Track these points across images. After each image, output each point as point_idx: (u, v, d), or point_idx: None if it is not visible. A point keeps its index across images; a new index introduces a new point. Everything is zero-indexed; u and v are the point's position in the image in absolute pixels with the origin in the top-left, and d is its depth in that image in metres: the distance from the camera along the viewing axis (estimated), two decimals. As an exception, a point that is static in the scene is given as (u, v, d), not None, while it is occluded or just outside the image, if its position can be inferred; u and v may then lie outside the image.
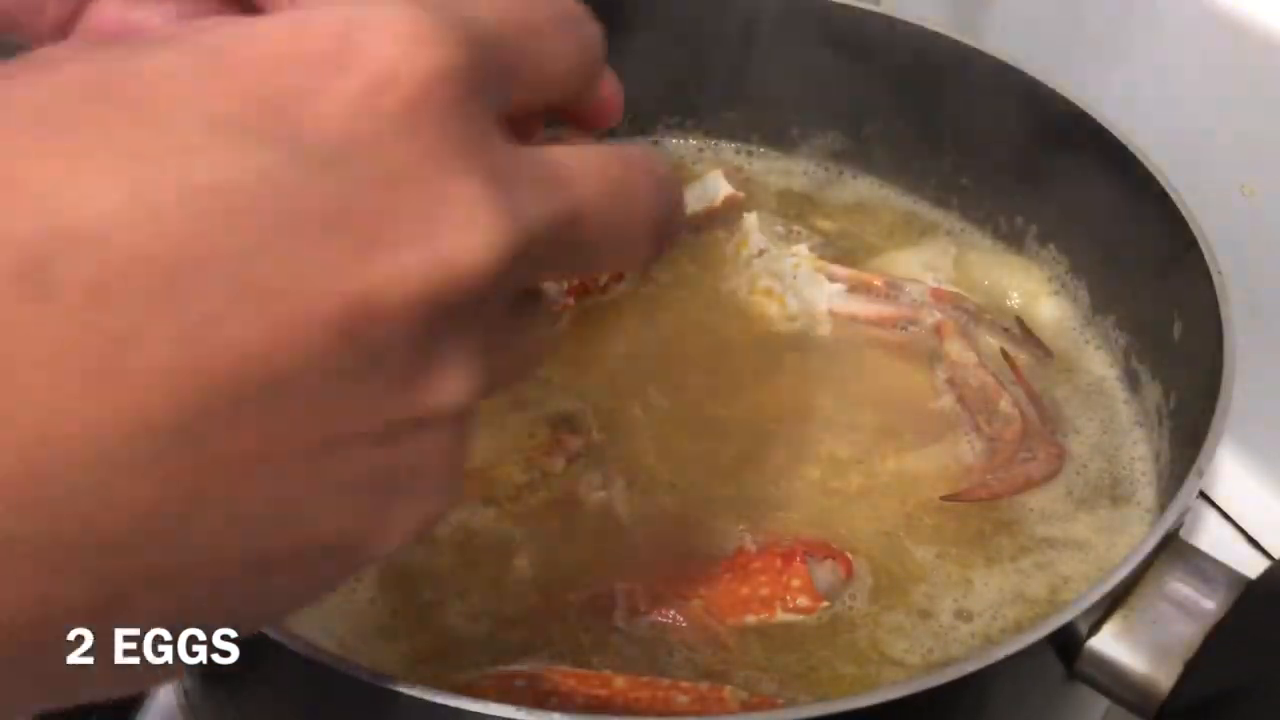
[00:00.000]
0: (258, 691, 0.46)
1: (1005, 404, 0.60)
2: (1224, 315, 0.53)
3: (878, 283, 0.66)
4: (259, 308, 0.24)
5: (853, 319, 0.65)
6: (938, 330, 0.64)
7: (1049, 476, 0.58)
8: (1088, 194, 0.64)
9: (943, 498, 0.56)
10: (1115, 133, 0.61)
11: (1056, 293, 0.67)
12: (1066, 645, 0.44)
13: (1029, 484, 0.57)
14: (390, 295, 0.25)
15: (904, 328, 0.65)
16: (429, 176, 0.26)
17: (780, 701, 0.48)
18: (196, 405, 0.23)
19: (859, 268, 0.68)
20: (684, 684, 0.48)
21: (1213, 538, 0.69)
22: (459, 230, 0.26)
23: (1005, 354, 0.63)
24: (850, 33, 0.69)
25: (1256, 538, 0.69)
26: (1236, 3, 0.64)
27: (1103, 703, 0.47)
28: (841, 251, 0.69)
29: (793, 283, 0.65)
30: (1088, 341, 0.65)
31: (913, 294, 0.66)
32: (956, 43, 0.67)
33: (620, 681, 0.48)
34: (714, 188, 0.70)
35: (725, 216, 0.70)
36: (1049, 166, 0.66)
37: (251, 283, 0.24)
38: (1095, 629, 0.45)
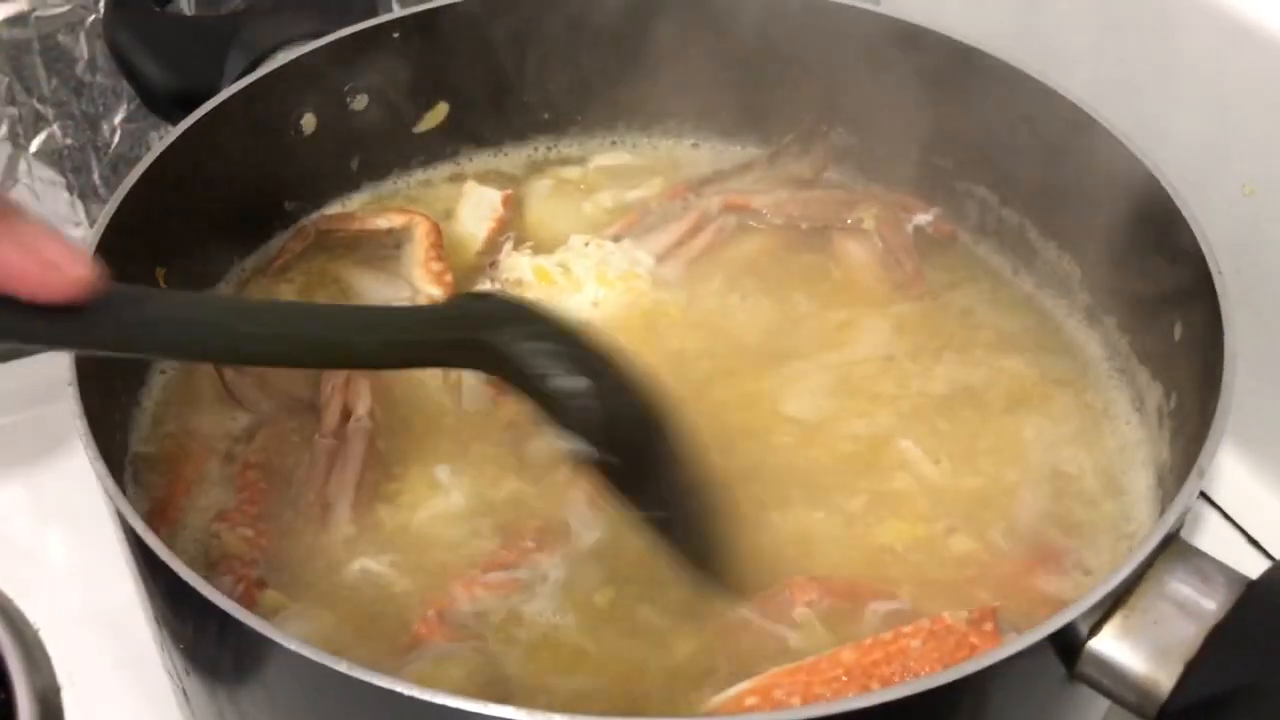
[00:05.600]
0: (257, 691, 0.46)
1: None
2: (1224, 315, 0.53)
3: (652, 205, 0.70)
4: None
5: (680, 248, 0.67)
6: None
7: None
8: (1089, 194, 0.64)
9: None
10: (1116, 133, 0.61)
11: (1055, 293, 0.67)
12: (1067, 646, 0.44)
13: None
14: None
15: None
16: None
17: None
18: None
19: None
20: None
21: (1213, 538, 0.69)
22: None
23: None
24: (850, 34, 0.69)
25: (1257, 538, 0.69)
26: (1238, 3, 0.64)
27: (1103, 703, 0.47)
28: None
29: (610, 271, 0.66)
30: (1088, 342, 0.65)
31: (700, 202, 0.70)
32: (955, 42, 0.67)
33: None
34: (485, 205, 0.71)
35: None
36: (1050, 167, 0.66)
37: None
38: (1096, 629, 0.45)
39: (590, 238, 0.68)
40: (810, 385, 0.62)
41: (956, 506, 0.57)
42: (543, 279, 0.66)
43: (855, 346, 0.65)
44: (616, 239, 0.68)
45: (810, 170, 0.72)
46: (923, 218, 0.69)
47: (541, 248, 0.68)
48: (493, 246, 0.69)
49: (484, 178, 0.74)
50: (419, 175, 0.75)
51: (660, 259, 0.68)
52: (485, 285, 0.66)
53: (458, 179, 0.74)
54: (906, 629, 0.48)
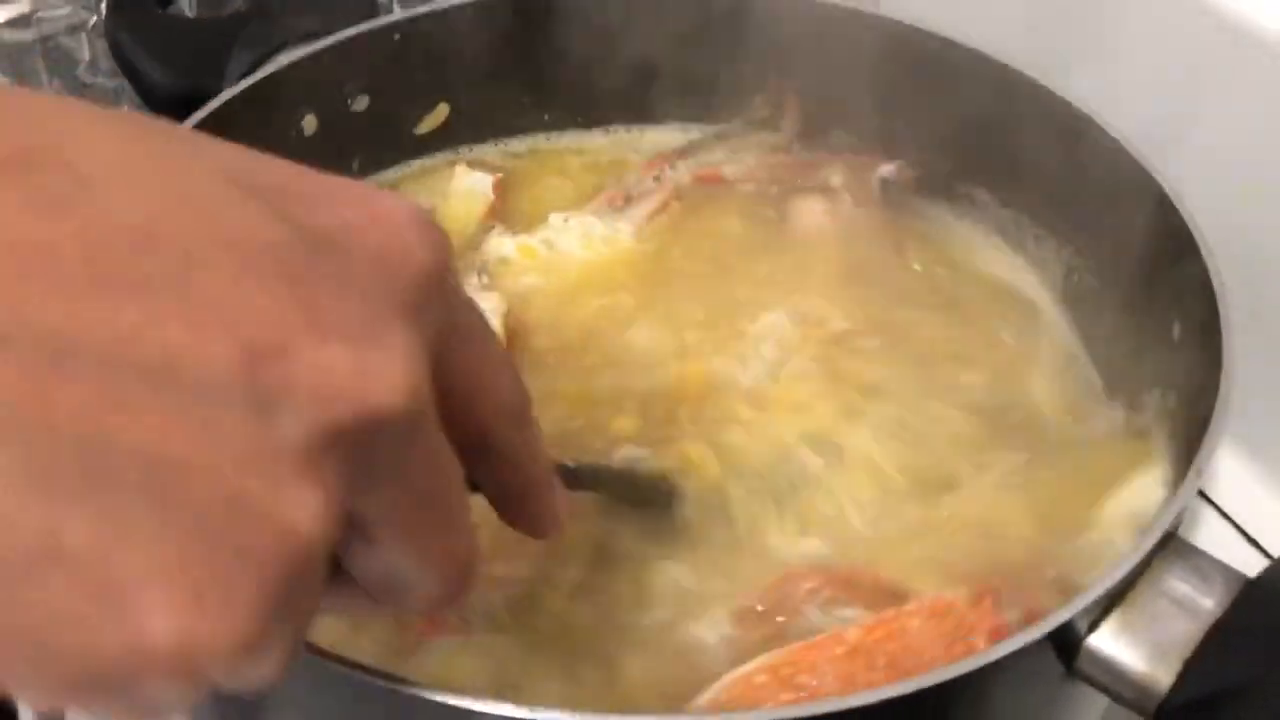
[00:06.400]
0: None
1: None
2: (1223, 315, 0.53)
3: (627, 180, 0.71)
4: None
5: (655, 218, 0.69)
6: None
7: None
8: (1086, 195, 0.64)
9: None
10: (1114, 133, 0.61)
11: (1055, 294, 0.67)
12: (1065, 643, 0.44)
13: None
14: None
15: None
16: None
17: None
18: None
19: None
20: None
21: (1212, 537, 0.69)
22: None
23: None
24: (849, 34, 0.70)
25: (1255, 537, 0.69)
26: (1237, 2, 0.65)
27: (1102, 701, 0.47)
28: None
29: (593, 239, 0.68)
30: (1086, 342, 0.65)
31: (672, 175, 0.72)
32: (953, 42, 0.67)
33: None
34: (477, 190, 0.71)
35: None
36: (1048, 167, 0.66)
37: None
38: (1094, 627, 0.45)
39: (569, 214, 0.69)
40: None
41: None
42: (527, 256, 0.67)
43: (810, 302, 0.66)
44: (595, 215, 0.69)
45: (784, 136, 0.74)
46: (886, 169, 0.71)
47: (523, 232, 0.69)
48: (482, 232, 0.69)
49: (477, 166, 0.74)
50: (416, 167, 0.75)
51: (637, 230, 0.69)
52: (470, 272, 0.66)
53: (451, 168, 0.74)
54: (908, 607, 0.49)
